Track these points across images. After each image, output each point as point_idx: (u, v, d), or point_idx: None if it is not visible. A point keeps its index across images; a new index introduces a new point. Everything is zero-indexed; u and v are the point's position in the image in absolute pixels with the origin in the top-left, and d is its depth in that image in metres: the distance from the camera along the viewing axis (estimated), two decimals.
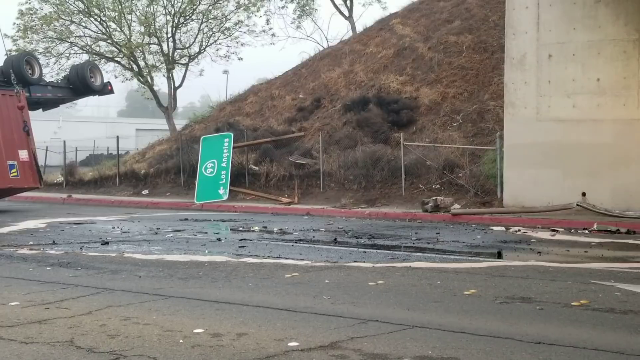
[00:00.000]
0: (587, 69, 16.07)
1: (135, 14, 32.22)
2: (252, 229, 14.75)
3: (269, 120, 25.96)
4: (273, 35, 35.51)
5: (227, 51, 34.17)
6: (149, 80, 32.94)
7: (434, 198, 17.47)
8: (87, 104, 58.09)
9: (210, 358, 5.26)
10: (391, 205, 18.83)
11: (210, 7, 32.63)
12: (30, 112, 21.66)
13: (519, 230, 14.10)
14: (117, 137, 28.18)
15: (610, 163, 15.81)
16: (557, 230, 14.05)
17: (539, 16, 16.49)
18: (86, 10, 31.37)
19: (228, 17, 33.00)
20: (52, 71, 31.34)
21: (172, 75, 33.24)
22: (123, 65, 33.11)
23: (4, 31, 36.19)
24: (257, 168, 23.06)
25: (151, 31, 32.04)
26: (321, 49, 33.90)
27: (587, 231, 13.85)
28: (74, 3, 31.57)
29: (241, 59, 34.78)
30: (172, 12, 32.14)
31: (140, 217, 17.71)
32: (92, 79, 23.59)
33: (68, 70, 26.35)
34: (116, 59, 32.88)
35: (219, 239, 12.91)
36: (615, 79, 15.86)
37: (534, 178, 16.47)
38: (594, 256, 10.72)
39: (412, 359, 5.18)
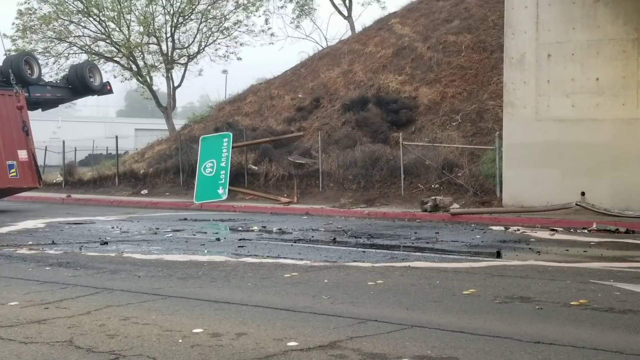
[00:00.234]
0: (586, 68, 16.07)
1: (134, 14, 32.23)
2: (251, 228, 14.75)
3: (268, 120, 25.96)
4: (272, 35, 35.53)
5: (226, 51, 34.21)
6: (148, 80, 32.93)
7: (433, 198, 17.47)
8: (86, 104, 58.05)
9: (209, 358, 5.26)
10: (390, 204, 18.83)
11: (209, 7, 32.62)
12: (29, 112, 21.66)
13: (518, 230, 14.10)
14: (116, 137, 28.16)
15: (609, 162, 15.81)
16: (556, 230, 14.05)
17: (538, 16, 16.49)
18: (85, 10, 31.35)
19: (227, 16, 33.01)
20: (51, 71, 31.39)
21: (171, 75, 33.24)
22: (122, 65, 33.10)
23: (3, 31, 36.21)
24: (256, 168, 23.05)
25: (150, 31, 32.03)
26: (320, 48, 33.90)
27: (586, 231, 13.85)
28: (72, 3, 31.56)
29: (240, 58, 34.81)
30: (171, 11, 32.14)
31: (139, 217, 17.71)
32: (91, 79, 23.59)
33: (67, 70, 26.36)
34: (115, 58, 32.87)
35: (218, 239, 12.91)
36: (614, 78, 15.86)
37: (533, 178, 16.47)
38: (593, 256, 10.72)
39: (411, 359, 5.18)
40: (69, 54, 32.53)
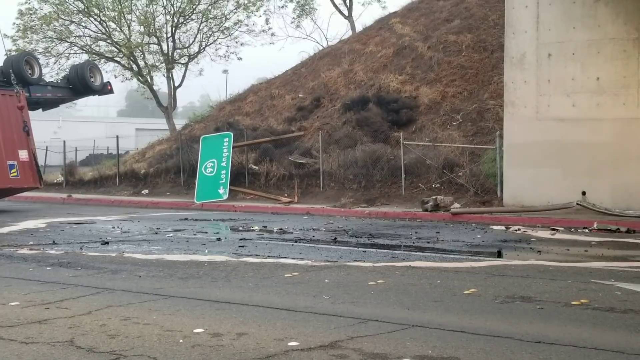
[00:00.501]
0: (586, 68, 16.07)
1: (135, 14, 32.23)
2: (252, 228, 14.75)
3: (269, 120, 25.96)
4: (272, 34, 35.53)
5: (227, 51, 34.22)
6: (149, 80, 32.94)
7: (433, 197, 17.46)
8: (86, 104, 58.12)
9: (210, 358, 5.26)
10: (391, 204, 18.83)
11: (210, 7, 32.62)
12: (30, 112, 21.67)
13: (519, 230, 14.10)
14: (117, 136, 28.19)
15: (610, 162, 15.81)
16: (557, 230, 14.04)
17: (539, 15, 16.49)
18: (86, 10, 31.36)
19: (227, 16, 33.02)
20: (52, 71, 31.41)
21: (171, 75, 33.25)
22: (123, 65, 33.10)
23: (4, 31, 36.18)
24: (256, 167, 23.06)
25: (151, 31, 32.03)
26: (321, 48, 33.90)
27: (587, 230, 13.85)
28: (73, 3, 31.57)
29: (241, 58, 34.82)
30: (172, 11, 32.14)
31: (140, 217, 17.71)
32: (92, 79, 23.59)
33: (68, 70, 26.35)
34: (116, 58, 32.87)
35: (218, 239, 12.91)
36: (614, 78, 15.86)
37: (533, 177, 16.47)
38: (594, 255, 10.72)
39: (412, 359, 5.18)
40: (69, 54, 32.56)
